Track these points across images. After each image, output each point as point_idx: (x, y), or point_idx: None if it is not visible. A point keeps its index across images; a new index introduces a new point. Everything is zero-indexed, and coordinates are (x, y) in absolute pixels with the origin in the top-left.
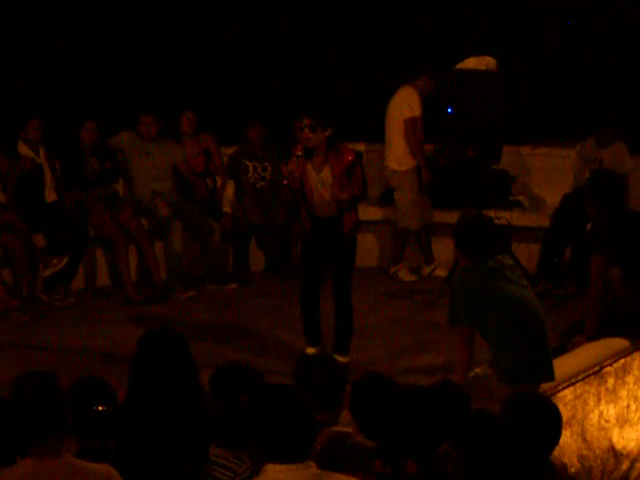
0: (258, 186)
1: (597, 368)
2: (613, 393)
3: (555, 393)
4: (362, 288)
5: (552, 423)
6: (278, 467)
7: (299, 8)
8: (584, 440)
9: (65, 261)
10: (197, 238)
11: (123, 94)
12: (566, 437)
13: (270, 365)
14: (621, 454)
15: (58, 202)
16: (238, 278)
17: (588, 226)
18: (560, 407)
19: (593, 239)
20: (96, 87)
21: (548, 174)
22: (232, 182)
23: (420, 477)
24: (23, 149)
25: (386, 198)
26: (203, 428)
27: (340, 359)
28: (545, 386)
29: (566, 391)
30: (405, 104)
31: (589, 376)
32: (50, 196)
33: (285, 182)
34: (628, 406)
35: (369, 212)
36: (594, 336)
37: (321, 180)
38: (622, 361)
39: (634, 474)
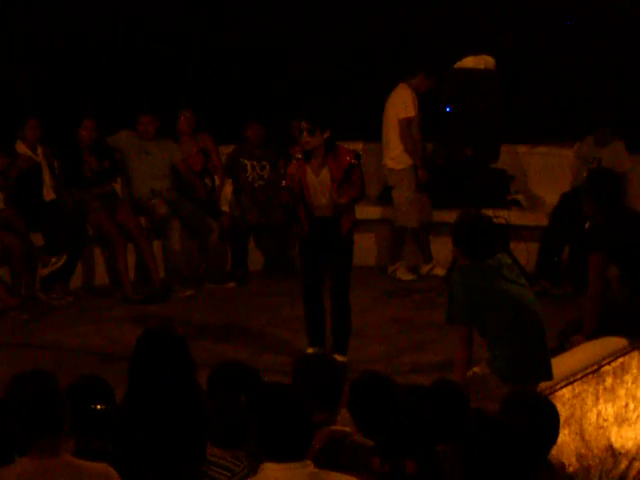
0: (256, 185)
1: (595, 367)
2: (611, 392)
3: (553, 392)
4: (361, 287)
5: (550, 422)
6: (275, 466)
7: (298, 8)
8: (582, 439)
9: (63, 260)
10: (195, 237)
11: (122, 93)
12: (564, 436)
13: (269, 364)
14: (619, 453)
15: (56, 201)
16: (236, 277)
17: (586, 225)
18: (558, 406)
19: (591, 238)
20: (95, 86)
21: (546, 173)
22: (230, 181)
23: (419, 476)
24: (21, 148)
25: (385, 197)
26: (201, 427)
27: (339, 359)
28: (543, 385)
29: (564, 390)
30: (401, 104)
31: (587, 375)
32: (48, 195)
33: (283, 184)
34: (626, 405)
35: (367, 211)
36: (592, 335)
37: (320, 182)
38: (620, 360)
39: (632, 473)
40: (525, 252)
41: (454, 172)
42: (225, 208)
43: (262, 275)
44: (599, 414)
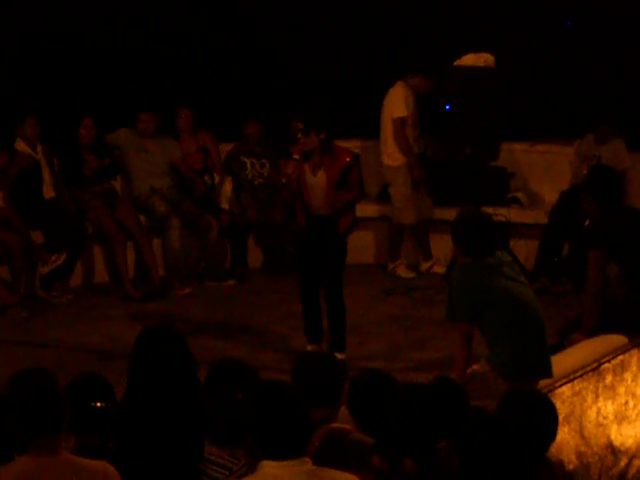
0: (256, 183)
1: (595, 365)
2: (611, 390)
3: (553, 390)
4: (360, 285)
5: (548, 420)
6: (273, 463)
7: (297, 7)
8: (582, 437)
9: (63, 258)
10: (195, 235)
11: (122, 91)
12: (564, 434)
13: (268, 361)
14: (619, 451)
15: (56, 199)
16: (236, 275)
17: (586, 223)
18: (558, 404)
19: (591, 236)
20: (94, 84)
21: (546, 171)
22: (230, 179)
23: (418, 474)
24: (21, 146)
25: (384, 195)
26: (199, 425)
27: (338, 356)
28: (543, 383)
29: (564, 388)
30: (395, 103)
31: (587, 373)
32: (48, 193)
33: (284, 180)
34: (626, 403)
35: (366, 209)
36: (592, 333)
37: (317, 182)
38: (620, 358)
39: (632, 471)
40: (525, 250)
41: (454, 170)
42: (225, 206)
43: (261, 273)
44: (599, 412)
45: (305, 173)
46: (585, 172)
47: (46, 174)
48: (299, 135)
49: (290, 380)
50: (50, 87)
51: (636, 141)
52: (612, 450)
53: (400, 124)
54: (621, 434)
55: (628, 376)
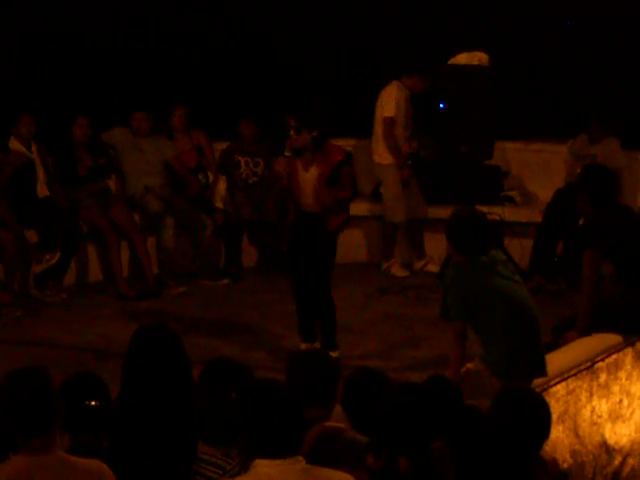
0: (250, 182)
1: (589, 364)
2: (605, 388)
3: (547, 388)
4: (354, 284)
5: (541, 418)
6: (267, 462)
7: (294, 7)
8: (576, 435)
9: (57, 257)
10: (189, 234)
11: (116, 90)
12: (558, 432)
13: (262, 360)
14: (613, 449)
15: (50, 198)
16: (230, 273)
17: (580, 221)
18: (552, 402)
19: (586, 234)
20: (89, 83)
21: (540, 170)
22: (224, 178)
23: (412, 473)
24: (15, 145)
25: (377, 194)
26: (193, 424)
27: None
28: (537, 381)
29: (558, 386)
30: (387, 102)
31: (581, 371)
32: (42, 192)
33: (276, 174)
34: (620, 401)
35: (359, 208)
36: (586, 331)
37: (308, 179)
38: (614, 356)
39: (626, 469)
40: (519, 248)
41: (448, 168)
42: (219, 205)
43: (256, 272)
44: (593, 410)
45: (297, 170)
46: (579, 171)
47: (40, 173)
48: (291, 132)
49: (284, 379)
50: (45, 86)
51: (630, 140)
52: (606, 449)
53: (389, 123)
54: (615, 433)
55: (622, 375)
